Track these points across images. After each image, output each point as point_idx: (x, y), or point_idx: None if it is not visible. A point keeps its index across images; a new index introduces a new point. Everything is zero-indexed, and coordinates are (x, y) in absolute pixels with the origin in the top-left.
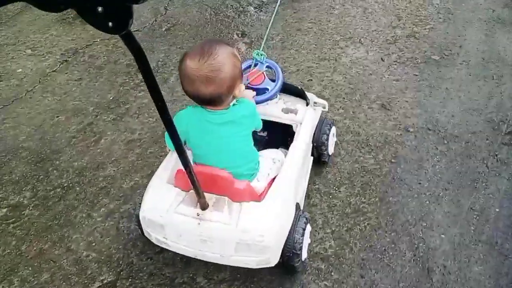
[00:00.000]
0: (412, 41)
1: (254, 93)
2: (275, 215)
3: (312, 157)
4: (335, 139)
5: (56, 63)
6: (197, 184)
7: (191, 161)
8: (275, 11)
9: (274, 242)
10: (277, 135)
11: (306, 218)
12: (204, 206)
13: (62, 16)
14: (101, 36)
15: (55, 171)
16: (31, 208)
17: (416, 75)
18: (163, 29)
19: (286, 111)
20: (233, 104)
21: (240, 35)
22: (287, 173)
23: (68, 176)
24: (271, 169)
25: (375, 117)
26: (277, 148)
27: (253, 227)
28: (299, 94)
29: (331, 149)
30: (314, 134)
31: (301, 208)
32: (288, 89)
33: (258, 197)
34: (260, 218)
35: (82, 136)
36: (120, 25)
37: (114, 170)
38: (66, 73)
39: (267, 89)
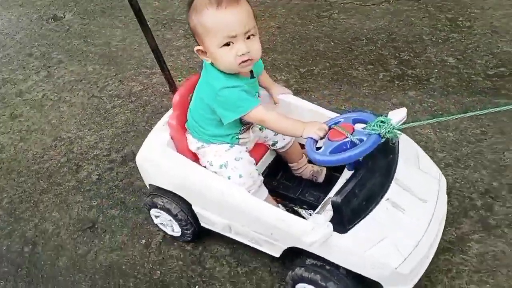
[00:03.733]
0: None
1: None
2: (162, 168)
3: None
4: None
5: None
6: (166, 71)
7: None
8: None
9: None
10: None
11: None
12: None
13: None
14: None
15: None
16: None
17: None
18: None
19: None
20: (213, 65)
21: None
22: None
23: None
24: (221, 156)
25: None
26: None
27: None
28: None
29: None
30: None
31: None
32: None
33: (182, 149)
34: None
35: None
36: None
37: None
38: None
39: (325, 154)
